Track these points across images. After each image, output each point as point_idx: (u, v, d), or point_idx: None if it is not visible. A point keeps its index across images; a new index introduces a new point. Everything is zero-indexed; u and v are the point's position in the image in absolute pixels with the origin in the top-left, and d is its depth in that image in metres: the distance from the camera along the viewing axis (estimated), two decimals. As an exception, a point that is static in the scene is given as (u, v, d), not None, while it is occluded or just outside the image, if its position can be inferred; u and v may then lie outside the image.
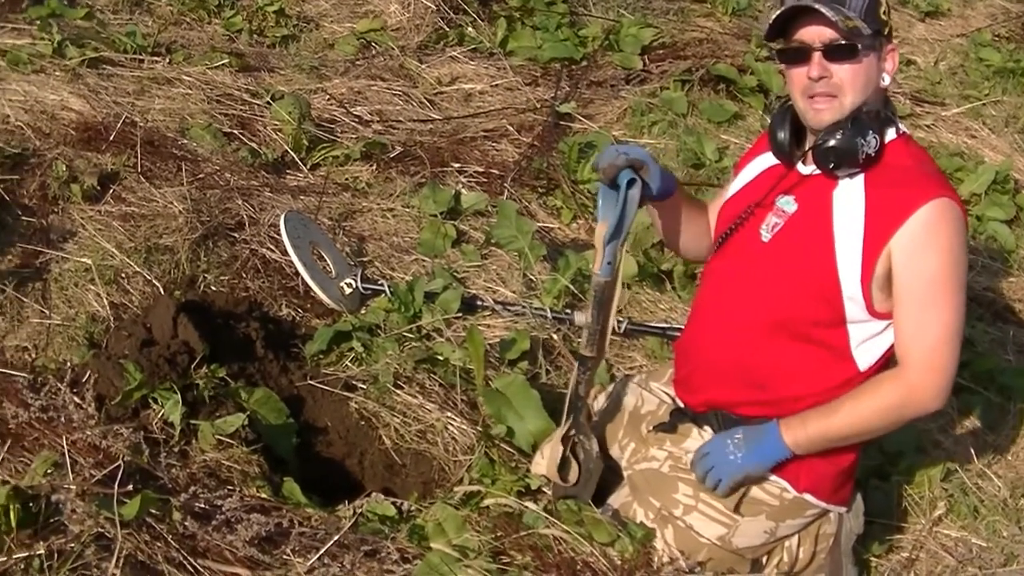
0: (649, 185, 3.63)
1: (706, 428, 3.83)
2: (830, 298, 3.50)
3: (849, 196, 3.50)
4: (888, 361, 3.60)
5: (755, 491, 3.71)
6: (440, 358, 4.73)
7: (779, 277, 3.61)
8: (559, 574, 3.56)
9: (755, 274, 3.68)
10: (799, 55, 3.49)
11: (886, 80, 3.53)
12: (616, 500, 3.99)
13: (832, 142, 3.45)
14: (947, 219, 3.37)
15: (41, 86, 5.88)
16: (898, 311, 3.46)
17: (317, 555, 3.52)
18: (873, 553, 4.18)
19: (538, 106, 7.18)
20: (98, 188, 5.24)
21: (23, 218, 4.94)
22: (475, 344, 4.59)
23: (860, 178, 3.50)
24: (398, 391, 4.57)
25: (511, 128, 6.89)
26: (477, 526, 3.75)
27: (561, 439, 3.92)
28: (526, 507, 3.82)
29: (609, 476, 4.06)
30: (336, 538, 3.60)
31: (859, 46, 3.41)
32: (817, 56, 3.45)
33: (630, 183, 3.58)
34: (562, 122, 7.02)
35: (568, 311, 5.10)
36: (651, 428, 4.00)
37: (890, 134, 3.53)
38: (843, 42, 3.41)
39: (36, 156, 5.30)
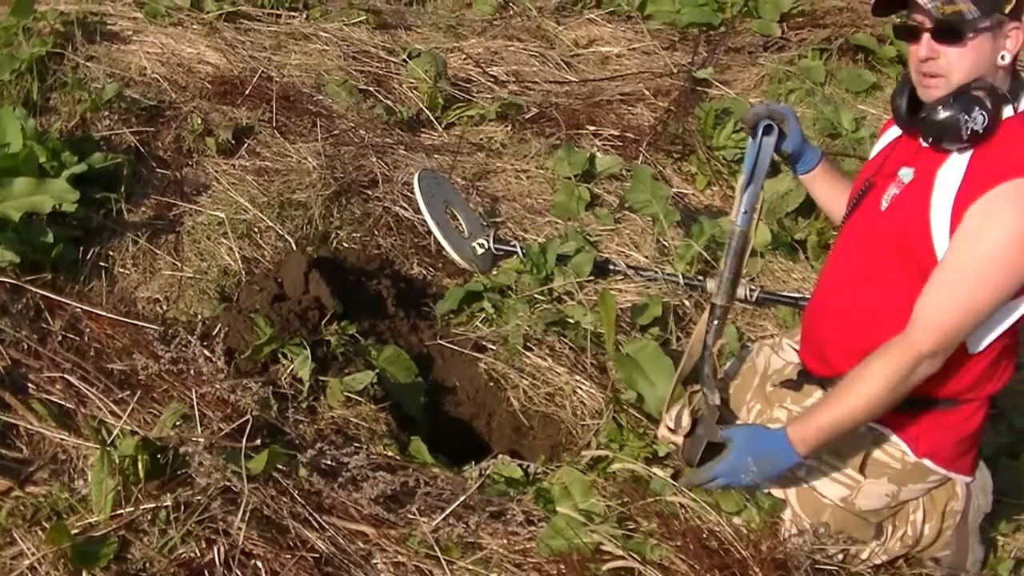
0: (786, 135, 3.68)
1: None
2: (927, 272, 3.41)
3: (953, 170, 3.39)
4: (1004, 348, 3.52)
5: (877, 453, 3.66)
6: (571, 321, 4.69)
7: (888, 248, 3.54)
8: (685, 542, 3.50)
9: (872, 244, 3.60)
10: (910, 33, 3.43)
11: (1006, 59, 3.36)
12: None
13: (934, 116, 3.38)
14: (1015, 199, 3.23)
15: (178, 39, 5.91)
16: (936, 272, 3.38)
17: (442, 515, 3.51)
18: (1000, 532, 4.08)
19: (675, 71, 7.10)
20: (233, 142, 5.27)
21: (158, 170, 4.97)
22: (607, 308, 4.54)
23: (968, 154, 3.38)
24: (528, 353, 4.54)
25: (647, 92, 6.82)
26: (603, 491, 3.71)
27: (686, 392, 3.89)
28: (653, 473, 3.78)
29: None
30: (462, 499, 3.58)
31: (965, 30, 3.31)
32: (925, 37, 3.37)
33: (766, 129, 3.67)
34: (699, 87, 6.93)
35: (700, 278, 5.03)
36: (775, 384, 3.97)
37: (1007, 111, 3.40)
38: (949, 26, 3.32)
39: (172, 109, 5.33)
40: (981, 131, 3.31)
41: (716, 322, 3.87)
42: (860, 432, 3.62)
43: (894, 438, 3.64)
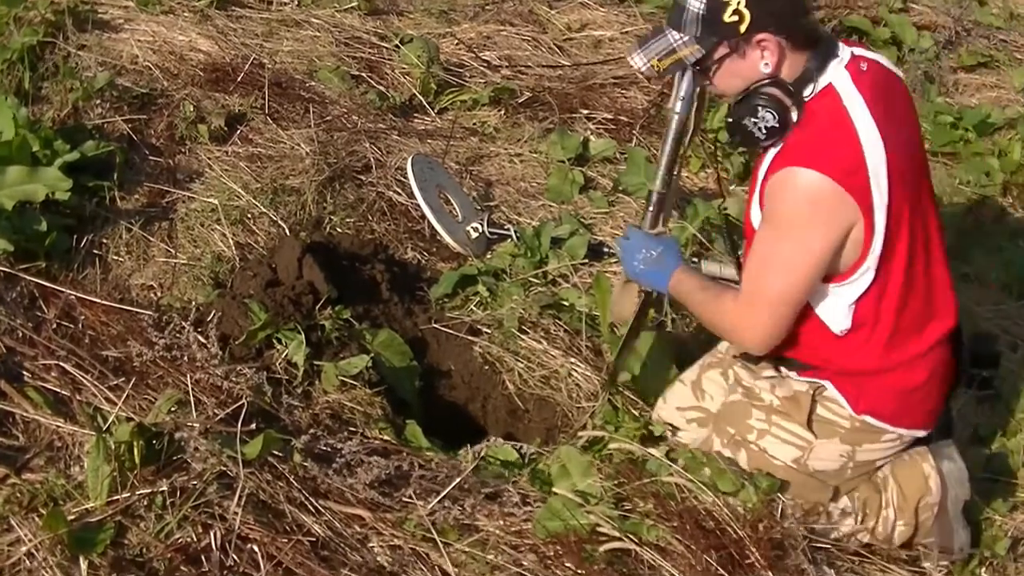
0: None
1: (782, 368, 3.86)
2: None
3: (765, 164, 3.56)
4: (866, 317, 3.61)
5: (820, 410, 3.71)
6: (566, 304, 4.70)
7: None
8: (681, 522, 3.51)
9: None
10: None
11: (766, 68, 3.46)
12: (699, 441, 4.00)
13: (727, 123, 3.61)
14: (788, 186, 3.42)
15: (170, 27, 5.90)
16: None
17: (438, 498, 3.51)
18: (998, 512, 4.07)
19: (668, 53, 7.07)
20: (225, 129, 5.26)
21: (150, 158, 4.97)
22: (601, 290, 4.54)
23: (780, 146, 3.52)
24: (523, 336, 4.55)
25: (640, 76, 6.79)
26: (600, 472, 3.72)
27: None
28: (650, 454, 3.78)
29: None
30: (457, 481, 3.58)
31: (705, 66, 3.53)
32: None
33: None
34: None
35: (695, 259, 5.01)
36: (734, 355, 4.05)
37: (808, 91, 3.49)
38: (690, 64, 3.55)
39: (164, 96, 5.33)
40: (778, 126, 3.47)
41: (652, 208, 4.11)
42: (800, 388, 3.74)
43: (833, 391, 3.70)
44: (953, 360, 3.76)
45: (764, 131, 3.48)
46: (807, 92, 3.47)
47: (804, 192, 3.38)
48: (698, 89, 3.89)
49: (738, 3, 3.39)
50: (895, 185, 3.39)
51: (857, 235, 3.40)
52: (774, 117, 3.46)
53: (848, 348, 3.64)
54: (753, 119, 3.48)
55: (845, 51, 3.52)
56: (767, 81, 3.47)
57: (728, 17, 3.41)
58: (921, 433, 3.79)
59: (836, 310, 3.59)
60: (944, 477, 3.81)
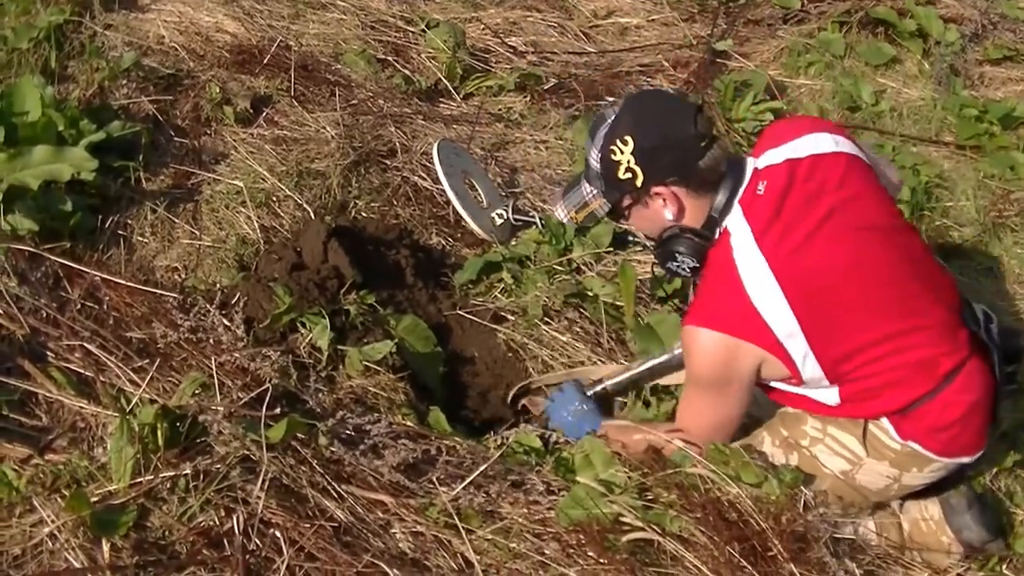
0: None
1: None
2: None
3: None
4: (848, 394, 3.67)
5: (872, 428, 3.70)
6: (589, 293, 4.68)
7: None
8: (704, 514, 3.50)
9: None
10: None
11: (670, 216, 3.72)
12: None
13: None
14: (689, 346, 3.62)
15: (196, 7, 5.88)
16: None
17: (462, 484, 3.50)
18: (1021, 507, 4.05)
19: (694, 43, 7.05)
20: (251, 111, 5.25)
21: (176, 139, 4.96)
22: (626, 280, 4.53)
23: None
24: (546, 324, 4.53)
25: (666, 64, 6.79)
26: (624, 462, 3.70)
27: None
28: (674, 444, 3.76)
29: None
30: (482, 468, 3.57)
31: (619, 214, 3.87)
32: None
33: None
34: (718, 59, 6.87)
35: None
36: None
37: (718, 232, 3.68)
38: (600, 216, 3.93)
39: (190, 77, 5.32)
40: (699, 265, 3.72)
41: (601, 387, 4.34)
42: None
43: (883, 419, 3.68)
44: (988, 375, 3.70)
45: (688, 270, 3.76)
46: (716, 235, 3.68)
47: (704, 351, 3.57)
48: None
49: (628, 161, 3.66)
50: (808, 299, 3.49)
51: (774, 364, 3.55)
52: (692, 260, 3.72)
53: (854, 408, 3.69)
54: (674, 263, 3.77)
55: (749, 172, 3.69)
56: (675, 230, 3.72)
57: (622, 175, 3.71)
58: (969, 460, 3.76)
59: (815, 395, 3.70)
60: (965, 543, 3.83)
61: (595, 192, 3.80)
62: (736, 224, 3.59)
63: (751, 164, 3.70)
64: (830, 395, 3.64)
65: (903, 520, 3.89)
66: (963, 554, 3.81)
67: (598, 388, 4.27)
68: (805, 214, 3.54)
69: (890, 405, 3.61)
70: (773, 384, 3.71)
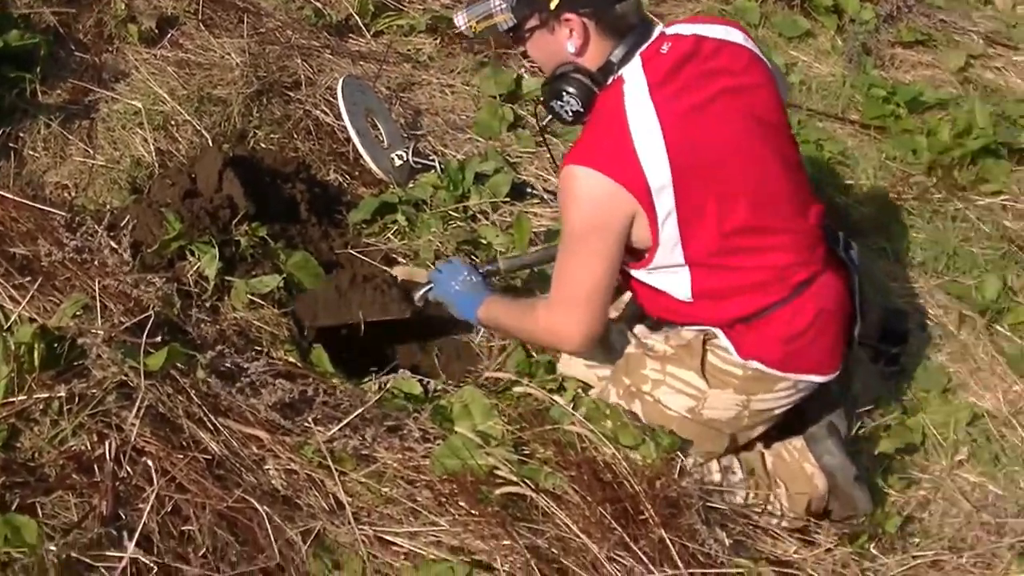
0: None
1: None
2: None
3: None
4: (702, 286, 3.68)
5: (711, 357, 3.74)
6: (483, 241, 4.67)
7: None
8: (579, 472, 3.51)
9: None
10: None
11: (572, 48, 3.61)
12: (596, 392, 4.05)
13: (540, 100, 3.85)
14: (565, 186, 3.55)
15: (106, -78, 5.78)
16: None
17: (339, 426, 3.49)
18: (893, 488, 4.13)
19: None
20: (156, 31, 5.17)
21: (76, 53, 4.88)
22: (521, 230, 4.54)
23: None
24: (437, 269, 4.50)
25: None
26: (503, 416, 3.71)
27: None
28: (554, 401, 3.78)
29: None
30: (359, 411, 3.56)
31: (518, 33, 3.72)
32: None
33: None
34: (632, 18, 6.86)
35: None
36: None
37: (612, 79, 3.62)
38: (502, 30, 3.76)
39: (95, -9, 5.23)
40: (582, 111, 3.65)
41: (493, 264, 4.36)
42: (691, 335, 3.77)
43: (723, 339, 3.72)
44: (842, 293, 3.78)
45: (571, 114, 3.68)
46: (609, 81, 3.60)
47: (580, 190, 3.52)
48: None
49: None
50: (686, 160, 3.46)
51: (641, 223, 3.51)
52: (578, 103, 3.64)
53: (705, 307, 3.70)
54: (560, 102, 3.67)
55: (656, 34, 3.64)
56: (570, 68, 3.63)
57: None
58: (819, 379, 3.80)
59: (669, 284, 3.70)
60: (827, 470, 3.87)
61: (504, 5, 3.67)
62: (633, 73, 3.56)
63: (660, 28, 3.66)
64: (683, 284, 3.64)
65: (767, 454, 3.94)
66: (827, 486, 3.85)
67: (490, 267, 4.28)
68: (702, 85, 3.55)
69: (739, 310, 3.65)
70: (633, 273, 3.71)
